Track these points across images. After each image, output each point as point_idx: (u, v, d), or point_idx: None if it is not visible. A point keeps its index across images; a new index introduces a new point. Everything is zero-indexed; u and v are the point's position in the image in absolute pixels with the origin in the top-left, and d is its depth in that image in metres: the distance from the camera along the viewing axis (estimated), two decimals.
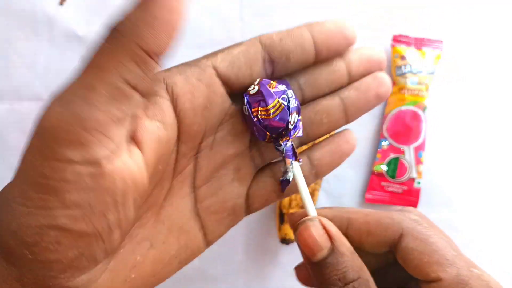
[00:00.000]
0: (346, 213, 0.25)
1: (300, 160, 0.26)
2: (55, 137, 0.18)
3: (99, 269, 0.21)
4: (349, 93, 0.26)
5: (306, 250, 0.23)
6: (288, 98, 0.24)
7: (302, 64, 0.25)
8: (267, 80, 0.24)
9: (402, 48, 0.48)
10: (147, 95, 0.21)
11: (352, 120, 0.27)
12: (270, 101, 0.23)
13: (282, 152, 0.25)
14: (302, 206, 0.47)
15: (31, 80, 0.48)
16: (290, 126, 0.24)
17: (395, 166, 0.48)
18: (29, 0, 0.48)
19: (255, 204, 0.27)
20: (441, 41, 0.48)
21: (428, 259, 0.23)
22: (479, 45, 0.49)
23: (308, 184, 0.25)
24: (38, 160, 0.18)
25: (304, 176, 0.25)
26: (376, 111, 0.49)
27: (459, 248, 0.24)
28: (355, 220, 0.25)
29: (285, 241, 0.47)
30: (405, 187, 0.48)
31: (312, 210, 0.25)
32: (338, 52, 0.25)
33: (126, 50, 0.18)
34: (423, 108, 0.48)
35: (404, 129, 0.48)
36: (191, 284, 0.50)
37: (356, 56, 0.26)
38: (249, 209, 0.27)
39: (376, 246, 0.25)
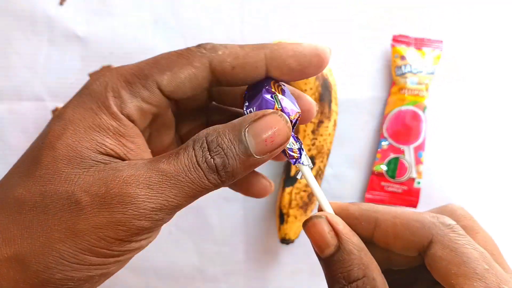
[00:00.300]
0: (374, 213, 0.24)
1: (309, 163, 0.26)
2: None
3: None
4: None
5: (315, 246, 0.23)
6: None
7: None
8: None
9: (402, 48, 0.48)
10: None
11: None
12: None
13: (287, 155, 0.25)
14: (302, 206, 0.47)
15: (31, 80, 0.48)
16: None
17: (395, 166, 0.48)
18: (29, 0, 0.48)
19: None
20: (441, 41, 0.48)
21: (456, 270, 0.21)
22: (479, 45, 0.49)
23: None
24: None
25: None
26: (376, 111, 0.49)
27: (507, 262, 0.23)
28: (382, 222, 0.24)
29: (285, 241, 0.47)
30: (405, 187, 0.48)
31: (327, 207, 0.24)
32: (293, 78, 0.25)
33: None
34: (423, 108, 0.48)
35: (404, 129, 0.48)
36: (191, 284, 0.50)
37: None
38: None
39: (404, 250, 0.24)
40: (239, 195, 0.47)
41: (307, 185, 0.46)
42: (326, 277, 0.23)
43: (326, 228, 0.23)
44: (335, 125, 0.47)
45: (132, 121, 0.23)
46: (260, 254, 0.50)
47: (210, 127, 0.22)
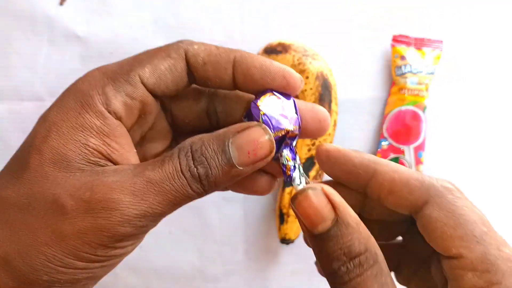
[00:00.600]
0: (374, 164, 0.23)
1: (303, 183, 0.25)
2: None
3: None
4: None
5: (307, 221, 0.21)
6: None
7: (221, 88, 0.26)
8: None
9: (402, 48, 0.48)
10: None
11: None
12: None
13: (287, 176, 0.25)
14: None
15: (31, 80, 0.48)
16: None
17: None
18: (29, 0, 0.48)
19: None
20: (441, 41, 0.48)
21: (451, 232, 0.20)
22: (479, 45, 0.49)
23: None
24: None
25: None
26: (376, 111, 0.49)
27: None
28: (380, 174, 0.23)
29: (285, 241, 0.47)
30: None
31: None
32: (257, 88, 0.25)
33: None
34: (423, 108, 0.48)
35: (404, 129, 0.48)
36: (191, 284, 0.50)
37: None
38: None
39: (396, 206, 0.23)
40: (239, 195, 0.47)
41: None
42: (318, 256, 0.21)
43: (323, 201, 0.21)
44: (335, 125, 0.47)
45: (119, 118, 0.23)
46: (260, 254, 0.50)
47: (196, 136, 0.22)
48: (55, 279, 0.20)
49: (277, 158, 0.24)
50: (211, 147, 0.22)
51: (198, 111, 0.28)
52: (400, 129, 0.48)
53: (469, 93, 0.49)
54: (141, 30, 0.49)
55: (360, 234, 0.20)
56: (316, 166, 0.47)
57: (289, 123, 0.24)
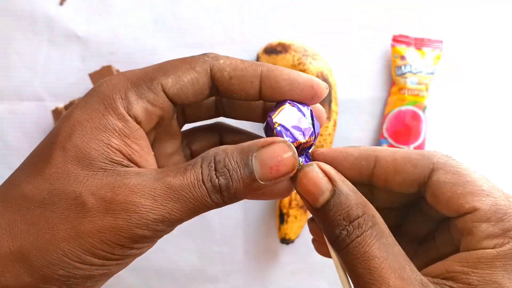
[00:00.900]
0: (374, 152, 0.24)
1: None
2: None
3: None
4: None
5: (309, 197, 0.23)
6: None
7: (246, 100, 0.26)
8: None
9: (402, 48, 0.48)
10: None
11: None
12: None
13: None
14: (302, 206, 0.47)
15: (31, 80, 0.48)
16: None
17: None
18: (29, 0, 0.48)
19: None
20: (441, 41, 0.48)
21: (462, 190, 0.22)
22: (479, 45, 0.49)
23: None
24: None
25: None
26: (376, 111, 0.49)
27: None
28: (382, 158, 0.24)
29: (285, 241, 0.47)
30: None
31: None
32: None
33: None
34: (423, 108, 0.48)
35: (404, 129, 0.48)
36: (191, 284, 0.50)
37: None
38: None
39: (404, 185, 0.24)
40: None
41: None
42: (323, 228, 0.23)
43: (319, 174, 0.23)
44: (335, 125, 0.47)
45: (139, 122, 0.24)
46: (260, 254, 0.50)
47: (221, 146, 0.23)
48: (71, 274, 0.21)
49: None
50: (234, 159, 0.22)
51: (208, 106, 0.29)
52: (400, 129, 0.48)
53: (469, 93, 0.49)
54: (141, 30, 0.49)
55: (357, 200, 0.22)
56: None
57: (301, 135, 0.25)
